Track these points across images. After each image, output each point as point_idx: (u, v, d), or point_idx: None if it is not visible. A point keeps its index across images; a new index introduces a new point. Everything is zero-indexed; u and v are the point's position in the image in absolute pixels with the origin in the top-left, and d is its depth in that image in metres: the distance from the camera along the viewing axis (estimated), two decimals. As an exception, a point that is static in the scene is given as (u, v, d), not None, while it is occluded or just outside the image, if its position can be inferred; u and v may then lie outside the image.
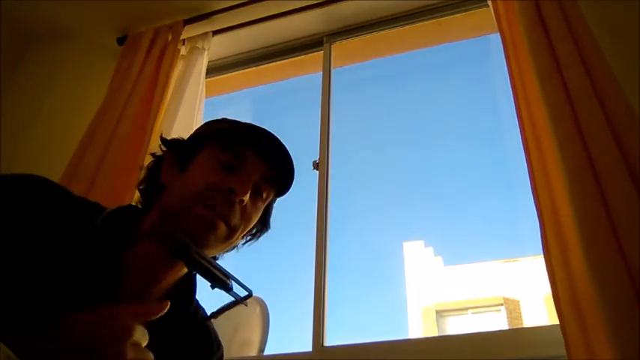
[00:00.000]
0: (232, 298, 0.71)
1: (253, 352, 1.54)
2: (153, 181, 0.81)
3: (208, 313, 0.75)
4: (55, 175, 1.72)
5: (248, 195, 0.76)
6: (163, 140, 0.86)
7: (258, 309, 1.61)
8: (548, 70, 1.40)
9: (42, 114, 2.19)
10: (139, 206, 0.81)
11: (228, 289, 0.71)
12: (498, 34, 1.65)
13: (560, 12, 1.50)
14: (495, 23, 1.69)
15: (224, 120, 0.89)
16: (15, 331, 0.54)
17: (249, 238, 0.86)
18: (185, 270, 0.77)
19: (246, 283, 0.72)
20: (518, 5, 1.58)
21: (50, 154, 2.00)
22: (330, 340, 1.52)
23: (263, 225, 0.86)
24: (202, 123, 0.92)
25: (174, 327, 0.75)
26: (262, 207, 0.82)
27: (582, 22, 1.46)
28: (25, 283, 0.61)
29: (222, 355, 0.87)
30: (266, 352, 1.54)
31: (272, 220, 0.88)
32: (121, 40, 2.22)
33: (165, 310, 0.61)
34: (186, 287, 0.79)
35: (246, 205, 0.77)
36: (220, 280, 0.71)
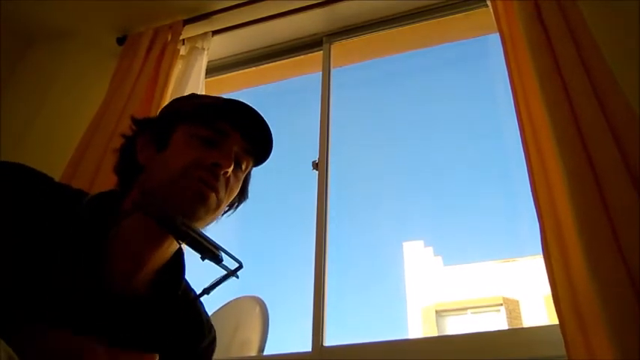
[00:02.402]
0: (223, 272, 0.70)
1: (253, 352, 1.54)
2: (129, 163, 0.80)
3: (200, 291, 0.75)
4: (55, 175, 1.72)
5: (232, 167, 0.77)
6: (135, 120, 0.85)
7: (258, 309, 1.61)
8: (548, 70, 1.40)
9: (42, 114, 2.19)
10: (118, 189, 0.80)
11: (219, 261, 0.70)
12: (498, 34, 1.65)
13: (560, 12, 1.50)
14: (495, 23, 1.69)
15: (193, 96, 0.89)
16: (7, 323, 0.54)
17: (227, 209, 0.85)
18: (172, 248, 0.77)
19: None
20: (517, 5, 1.58)
21: (50, 154, 1.99)
22: (330, 340, 1.52)
23: (241, 195, 0.86)
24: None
25: (164, 309, 0.75)
26: (242, 177, 0.83)
27: (582, 22, 1.46)
28: (10, 272, 0.61)
29: (214, 337, 0.86)
30: (266, 352, 1.54)
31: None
32: (120, 40, 2.22)
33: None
34: (175, 268, 0.79)
35: (229, 177, 0.77)
36: (210, 251, 0.70)
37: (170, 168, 0.74)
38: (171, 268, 0.78)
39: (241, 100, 0.82)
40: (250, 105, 0.82)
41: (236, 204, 0.87)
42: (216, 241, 0.72)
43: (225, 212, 0.86)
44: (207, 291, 0.72)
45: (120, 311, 0.69)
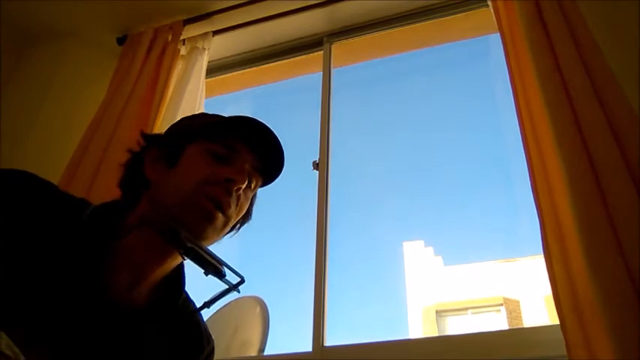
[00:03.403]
0: (224, 286, 0.70)
1: (253, 352, 1.54)
2: (136, 178, 0.79)
3: (201, 304, 0.75)
4: (55, 175, 1.72)
5: (245, 184, 0.76)
6: (145, 136, 0.84)
7: (258, 309, 1.61)
8: (548, 70, 1.40)
9: (42, 114, 2.19)
10: (123, 201, 0.80)
11: (221, 276, 0.70)
12: (498, 34, 1.66)
13: (560, 12, 1.50)
14: (495, 23, 1.69)
15: (204, 114, 0.88)
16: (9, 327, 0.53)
17: (229, 230, 0.84)
18: (175, 263, 0.77)
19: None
20: (518, 5, 1.58)
21: (50, 155, 2.00)
22: (330, 340, 1.52)
23: (246, 215, 0.85)
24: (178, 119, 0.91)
25: (163, 321, 0.75)
26: (251, 196, 0.82)
27: (582, 22, 1.46)
28: (11, 279, 0.61)
29: (212, 348, 0.86)
30: (266, 352, 1.54)
31: (256, 210, 0.87)
32: (120, 40, 2.22)
33: None
34: (175, 280, 0.79)
35: (240, 194, 0.77)
36: (213, 265, 0.70)
37: (182, 184, 0.74)
38: (172, 280, 0.78)
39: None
40: (263, 122, 0.81)
41: (239, 225, 0.85)
42: (219, 256, 0.72)
43: (228, 232, 0.84)
44: (207, 304, 0.73)
45: (119, 322, 0.69)
